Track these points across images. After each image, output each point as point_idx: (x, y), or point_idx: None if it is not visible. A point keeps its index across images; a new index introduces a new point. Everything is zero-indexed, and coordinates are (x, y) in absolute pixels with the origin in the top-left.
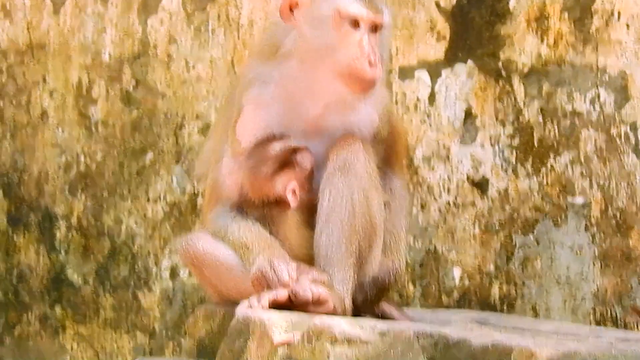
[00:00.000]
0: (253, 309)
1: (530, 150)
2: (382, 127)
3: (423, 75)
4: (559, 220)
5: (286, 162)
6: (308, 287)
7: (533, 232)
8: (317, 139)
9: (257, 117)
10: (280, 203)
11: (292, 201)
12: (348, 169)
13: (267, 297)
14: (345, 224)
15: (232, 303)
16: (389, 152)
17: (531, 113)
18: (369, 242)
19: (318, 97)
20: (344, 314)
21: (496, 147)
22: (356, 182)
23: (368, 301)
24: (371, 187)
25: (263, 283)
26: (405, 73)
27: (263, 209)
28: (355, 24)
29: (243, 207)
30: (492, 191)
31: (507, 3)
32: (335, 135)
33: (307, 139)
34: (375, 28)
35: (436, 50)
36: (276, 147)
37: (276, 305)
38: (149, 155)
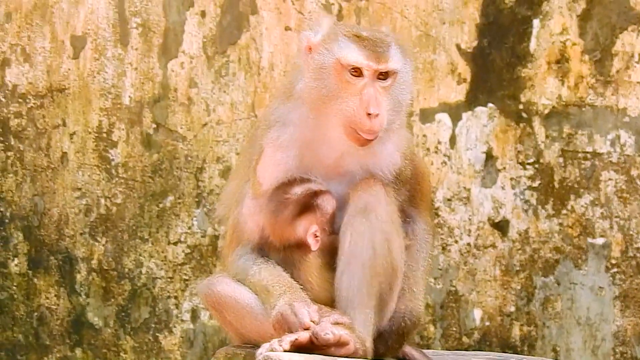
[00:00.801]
0: (274, 351)
1: (551, 191)
2: (404, 169)
3: (444, 117)
4: (580, 261)
5: (307, 205)
6: (329, 329)
7: (553, 273)
8: (338, 181)
9: (277, 160)
10: (301, 246)
11: (314, 244)
12: (369, 212)
13: (289, 339)
14: (366, 266)
15: (253, 345)
16: (413, 193)
17: (552, 155)
18: (390, 284)
19: (334, 142)
20: (365, 356)
21: (517, 189)
22: (377, 224)
23: (389, 344)
24: (392, 230)
25: (284, 326)
26: (426, 115)
27: (284, 252)
28: (358, 72)
29: (264, 249)
30: (512, 233)
31: (528, 45)
32: (356, 177)
33: (328, 181)
34: (383, 75)
35: (457, 93)
36: (297, 191)
37: (297, 348)
38: (170, 198)
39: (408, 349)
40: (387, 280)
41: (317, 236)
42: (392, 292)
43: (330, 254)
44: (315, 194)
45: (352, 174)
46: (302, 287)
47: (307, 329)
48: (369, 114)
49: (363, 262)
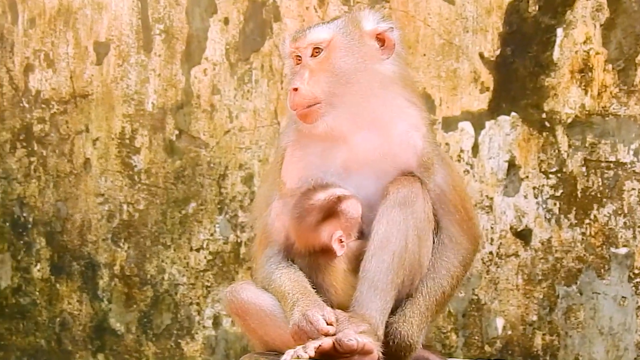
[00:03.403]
0: (300, 357)
1: (574, 201)
2: (428, 152)
3: (467, 126)
4: (602, 270)
5: (332, 211)
6: (353, 336)
7: (576, 283)
8: (361, 173)
9: (297, 158)
10: (326, 251)
11: (339, 249)
12: (407, 206)
13: (313, 345)
14: (396, 255)
15: (276, 352)
16: (442, 199)
17: (574, 164)
18: (411, 282)
19: (336, 134)
20: (377, 342)
21: (539, 198)
22: (413, 219)
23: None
24: (426, 228)
25: (303, 336)
26: (449, 124)
27: (309, 257)
28: (297, 58)
29: (290, 253)
30: (535, 242)
31: (551, 54)
32: (380, 166)
33: (351, 173)
34: (315, 51)
35: (480, 101)
36: (321, 196)
37: (322, 354)
38: (192, 205)
39: (432, 356)
40: (410, 276)
41: (342, 241)
42: (409, 291)
43: (356, 259)
44: (339, 199)
45: (376, 163)
46: (327, 291)
47: (326, 334)
48: (293, 89)
49: (394, 250)
